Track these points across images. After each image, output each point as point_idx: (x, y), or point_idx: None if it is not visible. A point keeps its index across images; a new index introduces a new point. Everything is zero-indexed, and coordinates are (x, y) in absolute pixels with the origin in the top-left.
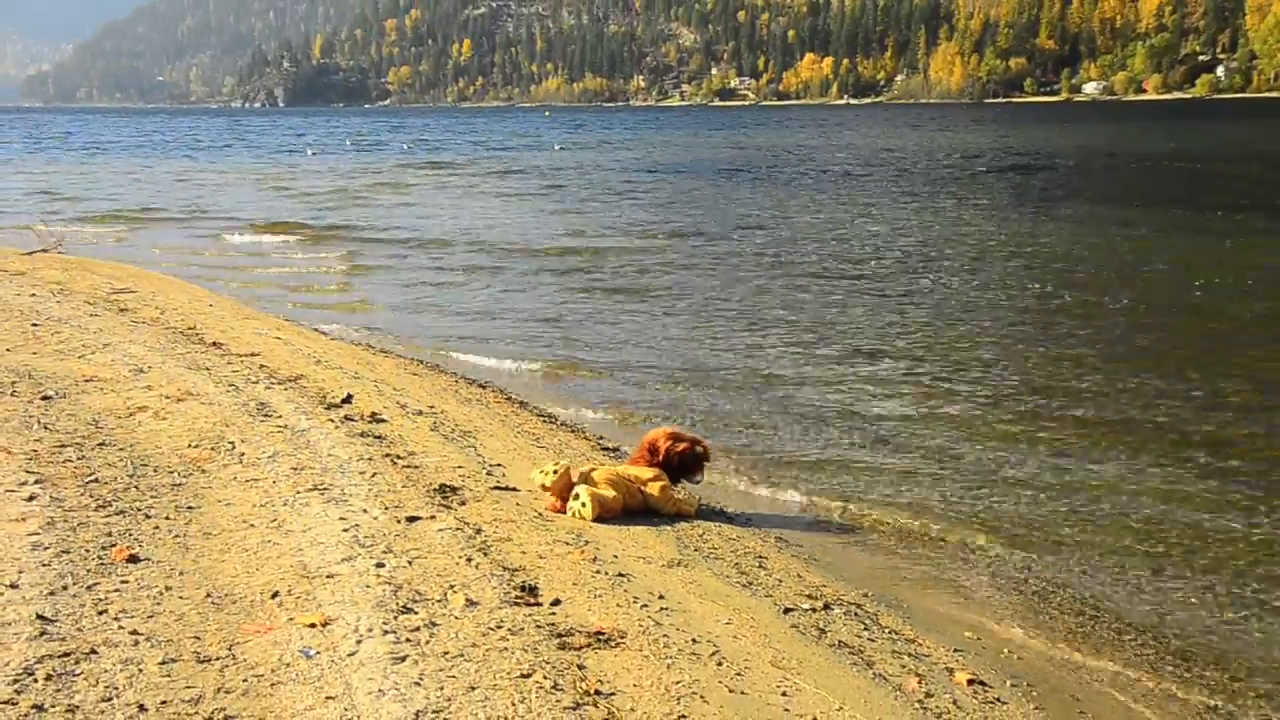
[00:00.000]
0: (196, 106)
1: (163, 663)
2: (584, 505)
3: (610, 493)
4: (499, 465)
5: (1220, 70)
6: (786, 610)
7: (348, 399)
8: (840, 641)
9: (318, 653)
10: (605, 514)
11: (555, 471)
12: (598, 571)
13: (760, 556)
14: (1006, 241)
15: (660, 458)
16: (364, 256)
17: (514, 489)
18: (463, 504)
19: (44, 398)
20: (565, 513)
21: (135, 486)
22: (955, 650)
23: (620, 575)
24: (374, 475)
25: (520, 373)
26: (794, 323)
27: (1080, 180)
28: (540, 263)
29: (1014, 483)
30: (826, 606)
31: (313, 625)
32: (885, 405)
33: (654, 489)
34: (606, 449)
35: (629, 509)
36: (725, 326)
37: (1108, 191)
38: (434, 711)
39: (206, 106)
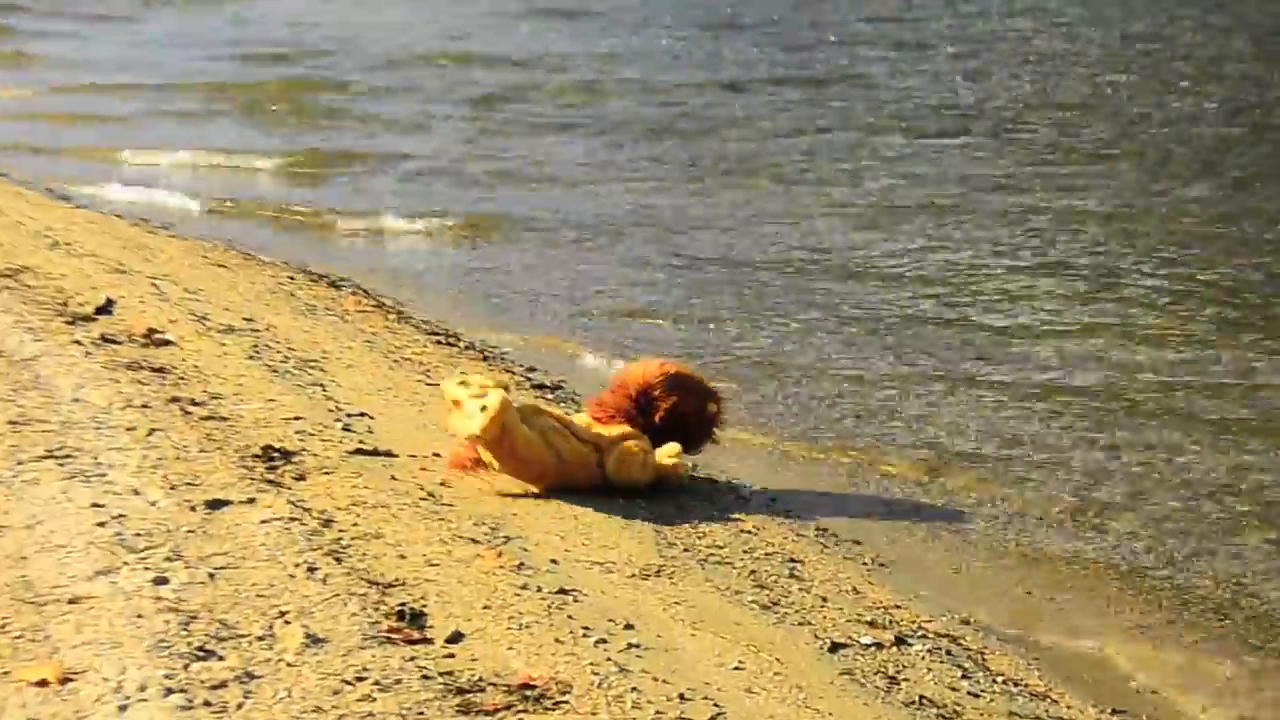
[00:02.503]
0: None
1: None
2: (481, 409)
3: (530, 432)
4: (363, 415)
5: None
6: (834, 646)
7: (107, 306)
8: (923, 697)
9: None
10: (508, 455)
11: (485, 407)
12: (524, 586)
13: (792, 560)
14: None
15: (654, 415)
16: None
17: (388, 454)
18: (301, 479)
19: None
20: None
21: None
22: (1115, 713)
23: (562, 592)
24: (151, 433)
25: (402, 255)
26: (850, 175)
27: None
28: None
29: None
30: (900, 640)
31: (42, 683)
32: (1004, 313)
33: (624, 452)
34: (542, 387)
35: (562, 480)
36: (736, 174)
37: None
38: None
39: None
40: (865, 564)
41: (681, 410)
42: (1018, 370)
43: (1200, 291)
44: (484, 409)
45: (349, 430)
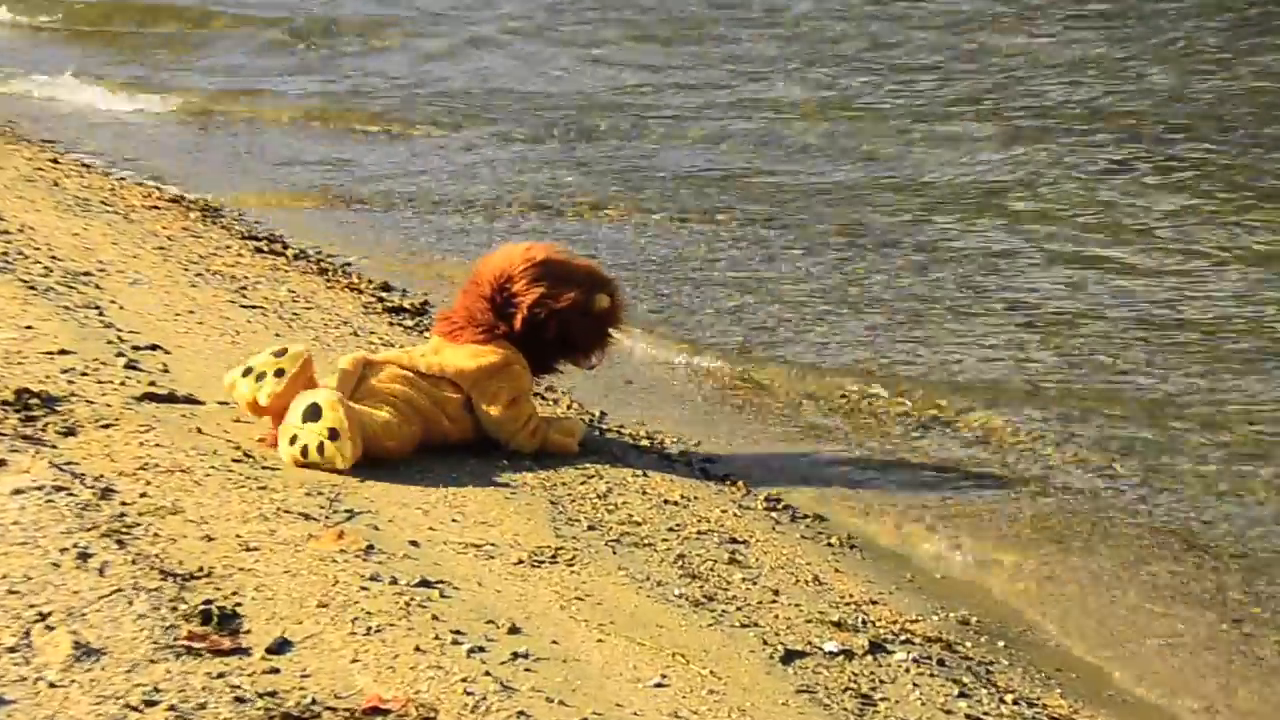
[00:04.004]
0: None
1: None
2: (329, 438)
3: (382, 414)
4: (154, 349)
5: None
6: (789, 656)
7: None
8: None
9: None
10: (378, 452)
11: (281, 370)
12: (374, 577)
13: (733, 540)
14: None
15: (516, 319)
16: None
17: (190, 400)
18: (70, 434)
19: None
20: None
21: None
22: None
23: (425, 584)
24: None
25: (217, 137)
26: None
27: None
28: None
29: None
30: (876, 647)
31: None
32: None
33: (494, 403)
34: (397, 311)
35: (430, 440)
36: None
37: None
38: None
39: None
40: (830, 545)
41: (556, 306)
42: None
43: None
44: (280, 372)
45: (135, 368)
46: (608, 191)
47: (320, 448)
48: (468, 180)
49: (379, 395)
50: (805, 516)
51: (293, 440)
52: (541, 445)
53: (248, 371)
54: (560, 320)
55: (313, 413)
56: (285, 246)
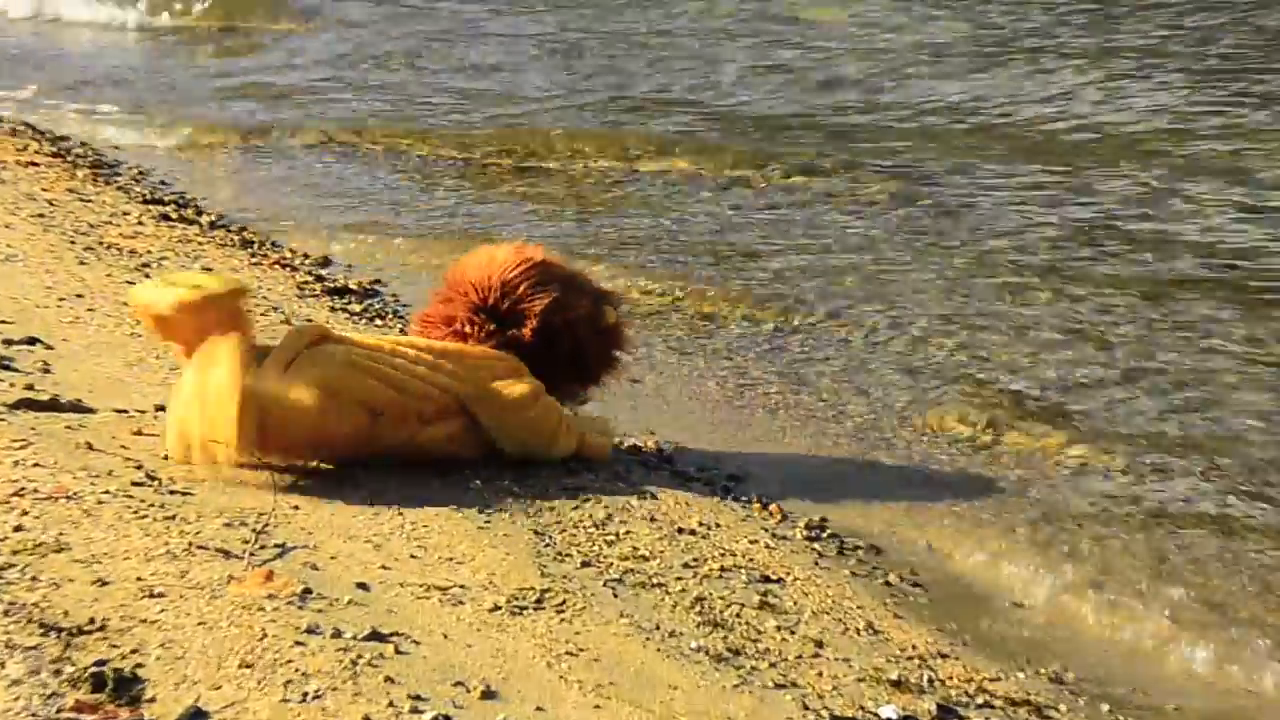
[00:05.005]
0: None
1: None
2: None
3: (305, 395)
4: (33, 343)
5: None
6: None
7: None
8: None
9: None
10: (288, 446)
11: (202, 287)
12: (312, 629)
13: (764, 578)
14: None
15: (526, 328)
16: None
17: (78, 407)
18: None
19: None
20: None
21: None
22: None
23: (377, 638)
24: None
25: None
26: None
27: None
28: None
29: None
30: (946, 712)
31: None
32: None
33: (518, 398)
34: (340, 293)
35: (381, 445)
36: None
37: None
38: None
39: None
40: (887, 584)
41: (570, 316)
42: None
43: None
44: (196, 286)
45: (7, 368)
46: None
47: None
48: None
49: (317, 364)
50: (856, 548)
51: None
52: (577, 448)
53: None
54: (572, 334)
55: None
56: (199, 212)
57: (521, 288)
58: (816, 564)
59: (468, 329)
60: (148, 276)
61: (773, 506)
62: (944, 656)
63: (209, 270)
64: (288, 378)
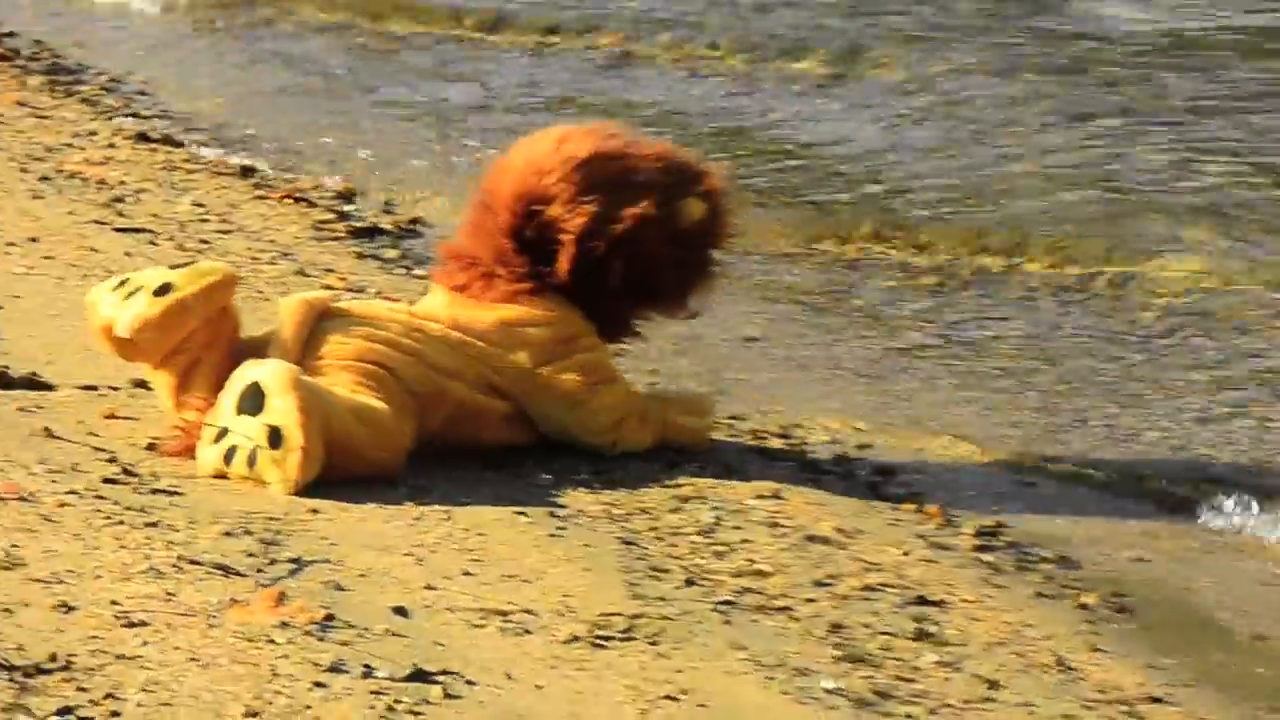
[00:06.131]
0: None
1: None
2: (268, 443)
3: (361, 397)
4: None
5: None
6: None
7: None
8: None
9: None
10: (351, 466)
11: (167, 287)
12: (336, 667)
13: (922, 600)
14: None
15: (561, 261)
16: None
17: (34, 383)
18: None
19: None
20: (196, 449)
21: None
22: None
23: (421, 677)
24: None
25: None
26: None
27: None
28: None
29: None
30: None
31: None
32: None
33: (563, 376)
34: (368, 234)
35: (437, 437)
36: None
37: None
38: None
39: None
40: (1083, 607)
41: (619, 233)
42: None
43: None
44: (164, 289)
45: None
46: None
47: (252, 458)
48: None
49: (351, 361)
50: (1042, 560)
51: (219, 437)
52: (658, 437)
53: (122, 284)
54: (630, 253)
55: (252, 398)
56: (187, 129)
57: (555, 203)
58: (989, 581)
59: (499, 271)
60: (121, 215)
61: (931, 508)
62: (1158, 701)
63: (189, 257)
64: (331, 372)
